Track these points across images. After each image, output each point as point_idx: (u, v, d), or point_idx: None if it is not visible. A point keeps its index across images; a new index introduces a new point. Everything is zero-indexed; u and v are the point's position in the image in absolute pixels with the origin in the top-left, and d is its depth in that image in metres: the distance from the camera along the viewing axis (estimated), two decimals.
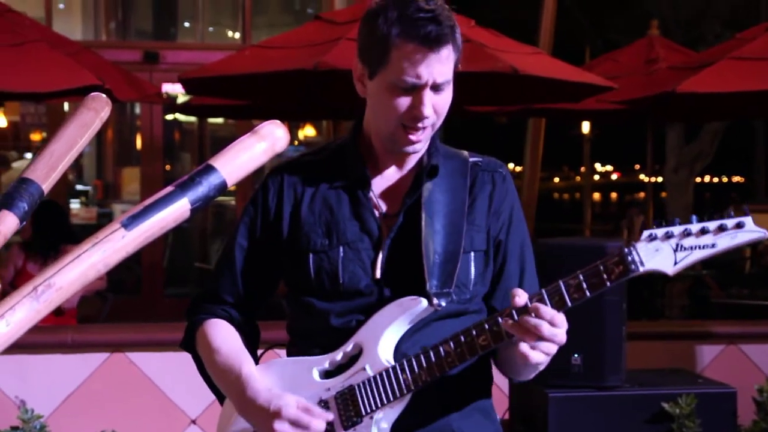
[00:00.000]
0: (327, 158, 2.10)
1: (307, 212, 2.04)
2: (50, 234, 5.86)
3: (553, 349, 1.84)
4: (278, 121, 1.37)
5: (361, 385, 1.94)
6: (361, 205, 2.02)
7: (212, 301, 2.12)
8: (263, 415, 1.91)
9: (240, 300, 2.11)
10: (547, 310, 1.82)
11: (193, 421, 4.40)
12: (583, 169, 21.25)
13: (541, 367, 1.92)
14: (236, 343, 2.04)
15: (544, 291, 1.86)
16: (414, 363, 1.90)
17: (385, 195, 2.05)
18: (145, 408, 4.39)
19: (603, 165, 36.85)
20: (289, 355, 2.11)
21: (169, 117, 10.81)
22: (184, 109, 9.65)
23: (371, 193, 2.04)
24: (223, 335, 2.05)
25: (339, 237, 2.01)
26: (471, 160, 2.09)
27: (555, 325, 1.82)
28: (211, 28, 12.23)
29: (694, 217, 1.82)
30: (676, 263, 1.81)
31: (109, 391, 4.38)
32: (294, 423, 1.89)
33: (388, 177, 2.06)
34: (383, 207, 2.04)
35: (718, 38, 12.21)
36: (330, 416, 1.93)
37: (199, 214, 10.61)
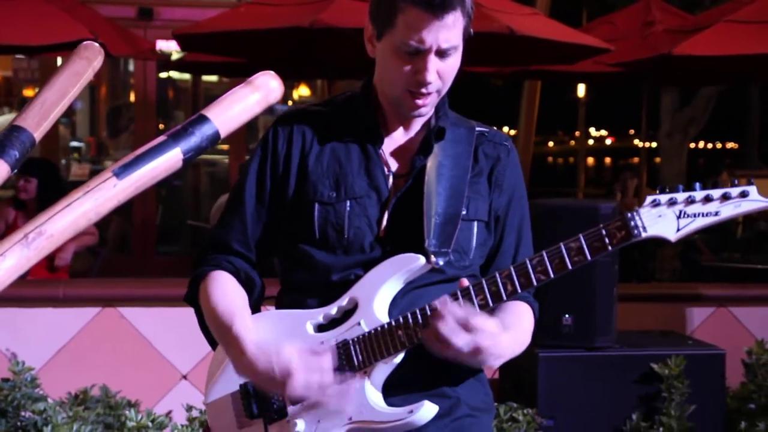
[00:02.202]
0: (336, 111, 2.10)
1: (315, 162, 2.03)
2: (52, 193, 5.86)
3: (460, 343, 1.81)
4: (272, 72, 1.35)
5: (356, 339, 1.93)
6: (371, 161, 2.02)
7: (220, 250, 2.09)
8: (271, 378, 1.89)
9: (248, 248, 2.08)
10: (462, 310, 1.82)
11: (184, 377, 4.43)
12: (577, 133, 21.23)
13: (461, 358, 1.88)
14: (234, 298, 2.02)
15: (544, 253, 1.86)
16: (410, 319, 1.90)
17: (393, 154, 2.06)
18: (136, 363, 4.41)
19: (597, 130, 36.89)
20: (279, 306, 2.11)
21: (163, 75, 10.76)
22: (178, 65, 9.61)
23: (382, 150, 2.04)
24: (223, 290, 2.03)
25: (347, 191, 2.00)
26: (477, 129, 2.10)
27: (467, 327, 1.81)
28: None
29: (697, 184, 1.82)
30: (678, 230, 1.81)
31: (100, 345, 4.40)
32: (308, 369, 1.87)
33: (396, 136, 2.07)
34: (393, 165, 2.04)
35: (715, 2, 12.16)
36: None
37: (192, 173, 10.60)
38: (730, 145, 32.68)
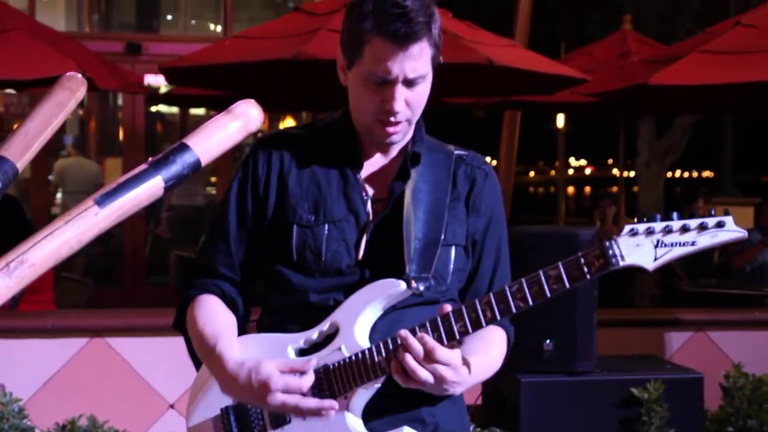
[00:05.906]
0: (315, 135, 2.11)
1: (295, 185, 2.04)
2: (9, 232, 5.62)
3: (424, 376, 1.83)
4: (252, 100, 1.37)
5: (336, 365, 1.94)
6: (350, 185, 2.03)
7: (206, 274, 2.10)
8: (251, 393, 1.90)
9: (234, 271, 2.09)
10: (429, 341, 1.83)
11: (171, 406, 4.44)
12: (557, 163, 21.37)
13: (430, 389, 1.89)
14: (220, 320, 2.02)
15: (524, 280, 1.86)
16: (390, 345, 1.90)
17: (370, 179, 2.07)
18: (124, 392, 4.41)
19: (577, 160, 37.16)
20: (260, 329, 2.11)
21: (152, 109, 10.82)
22: (165, 98, 9.63)
23: (360, 175, 2.05)
24: (209, 313, 2.03)
25: (326, 214, 2.01)
26: (456, 153, 2.10)
27: (431, 359, 1.83)
28: (193, 21, 12.23)
29: (675, 214, 1.83)
30: (656, 259, 1.83)
31: (88, 375, 4.39)
32: (285, 390, 1.88)
33: (374, 162, 2.08)
34: (369, 190, 2.05)
35: (689, 34, 12.39)
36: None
37: (184, 204, 10.67)
38: (705, 173, 32.97)
